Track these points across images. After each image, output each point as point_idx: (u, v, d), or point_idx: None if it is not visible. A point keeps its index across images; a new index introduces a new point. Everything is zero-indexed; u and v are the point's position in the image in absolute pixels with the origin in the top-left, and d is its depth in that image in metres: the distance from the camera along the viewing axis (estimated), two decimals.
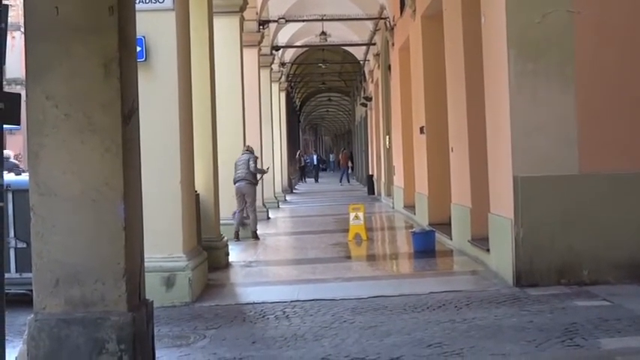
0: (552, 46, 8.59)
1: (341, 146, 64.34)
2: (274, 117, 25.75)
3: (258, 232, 14.95)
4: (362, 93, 34.92)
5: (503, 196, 8.92)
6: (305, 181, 47.15)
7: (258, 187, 16.46)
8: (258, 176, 14.81)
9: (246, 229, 14.65)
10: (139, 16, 5.45)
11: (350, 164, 45.06)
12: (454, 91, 11.95)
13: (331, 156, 69.03)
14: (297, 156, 51.16)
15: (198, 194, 10.26)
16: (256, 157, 14.63)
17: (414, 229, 13.30)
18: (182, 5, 8.96)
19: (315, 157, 54.32)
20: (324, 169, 62.91)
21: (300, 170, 48.59)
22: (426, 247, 11.89)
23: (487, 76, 9.67)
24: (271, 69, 24.80)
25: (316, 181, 47.72)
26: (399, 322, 7.02)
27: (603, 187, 8.57)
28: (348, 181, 42.30)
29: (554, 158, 8.55)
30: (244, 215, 14.49)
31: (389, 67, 21.97)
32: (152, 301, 5.27)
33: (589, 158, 8.54)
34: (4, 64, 5.12)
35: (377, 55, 25.91)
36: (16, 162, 16.11)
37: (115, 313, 4.74)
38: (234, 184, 14.17)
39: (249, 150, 14.63)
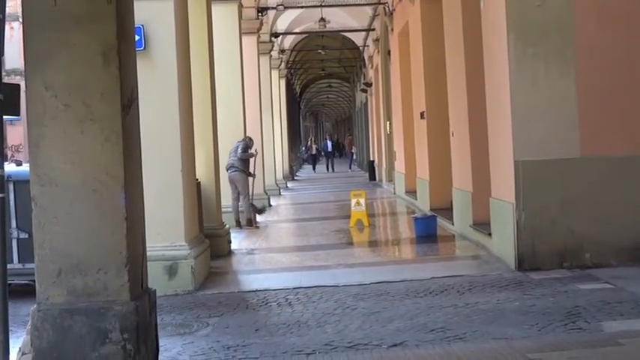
0: (552, 29, 8.55)
1: (342, 133, 64.14)
2: (274, 104, 25.70)
3: (258, 218, 14.91)
4: (362, 79, 34.86)
5: (505, 180, 8.91)
6: (315, 171, 42.49)
7: (259, 174, 16.42)
8: (251, 164, 14.70)
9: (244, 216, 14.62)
10: (137, 5, 5.42)
11: (354, 150, 44.87)
12: (454, 75, 11.91)
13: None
14: (308, 143, 50.39)
15: (199, 182, 10.26)
16: (246, 144, 14.41)
17: (415, 215, 13.29)
18: None
19: (329, 142, 46.99)
20: (339, 156, 54.65)
21: (311, 158, 46.53)
22: (427, 233, 11.90)
23: (487, 60, 9.63)
24: (271, 56, 24.75)
25: (329, 169, 41.66)
26: (401, 307, 7.03)
27: (604, 170, 8.55)
28: (350, 168, 42.27)
29: (555, 142, 8.53)
30: (239, 203, 14.48)
31: (388, 53, 21.90)
32: (155, 290, 5.27)
33: (590, 141, 8.51)
34: (3, 54, 5.11)
35: (376, 40, 25.82)
36: None
37: (118, 302, 4.74)
38: (227, 170, 14.11)
39: (244, 139, 14.55)
